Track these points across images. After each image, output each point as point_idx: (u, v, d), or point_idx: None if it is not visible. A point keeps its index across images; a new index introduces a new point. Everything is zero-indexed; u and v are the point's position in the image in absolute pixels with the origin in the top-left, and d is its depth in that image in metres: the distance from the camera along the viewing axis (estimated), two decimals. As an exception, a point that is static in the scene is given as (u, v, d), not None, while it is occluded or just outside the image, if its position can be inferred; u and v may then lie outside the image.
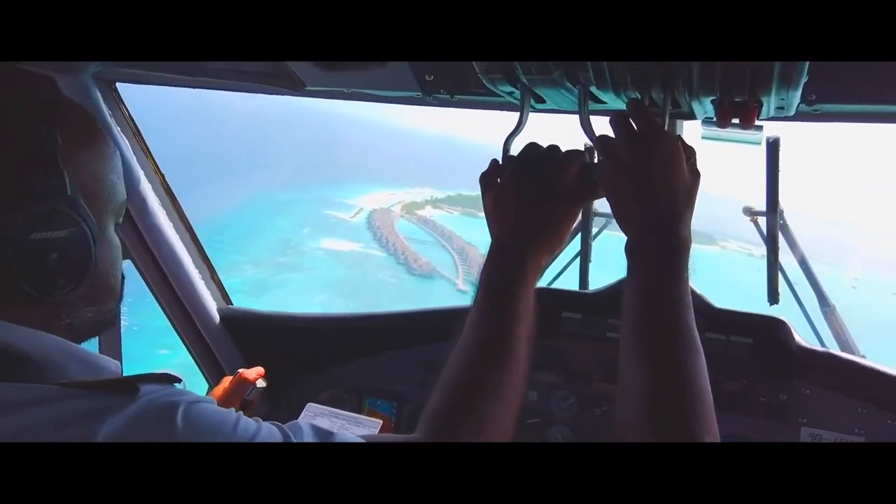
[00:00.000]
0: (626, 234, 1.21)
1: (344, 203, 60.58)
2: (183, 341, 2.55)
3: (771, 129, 1.88)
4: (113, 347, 2.15)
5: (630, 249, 1.18)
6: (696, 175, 1.23)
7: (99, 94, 1.97)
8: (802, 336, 2.05)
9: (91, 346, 1.07)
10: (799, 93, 1.21)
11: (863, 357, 2.12)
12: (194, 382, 2.42)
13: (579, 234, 2.50)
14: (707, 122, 1.38)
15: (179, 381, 0.97)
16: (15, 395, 0.86)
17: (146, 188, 2.17)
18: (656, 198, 1.17)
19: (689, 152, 1.26)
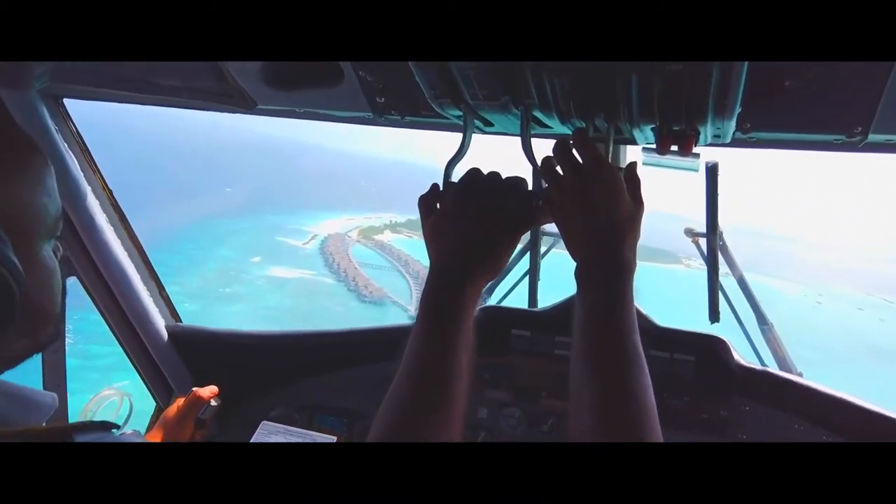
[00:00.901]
0: (573, 259, 1.26)
1: (299, 230, 60.06)
2: (130, 359, 2.50)
3: (711, 154, 1.95)
4: (57, 367, 2.11)
5: (578, 273, 1.22)
6: (639, 203, 1.28)
7: (45, 110, 1.94)
8: (742, 353, 2.12)
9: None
10: (734, 122, 1.27)
11: (799, 374, 2.20)
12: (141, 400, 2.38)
13: (528, 253, 2.54)
14: (648, 149, 1.43)
15: (117, 427, 0.94)
16: None
17: (93, 204, 2.14)
18: (599, 225, 1.22)
19: (634, 182, 1.31)
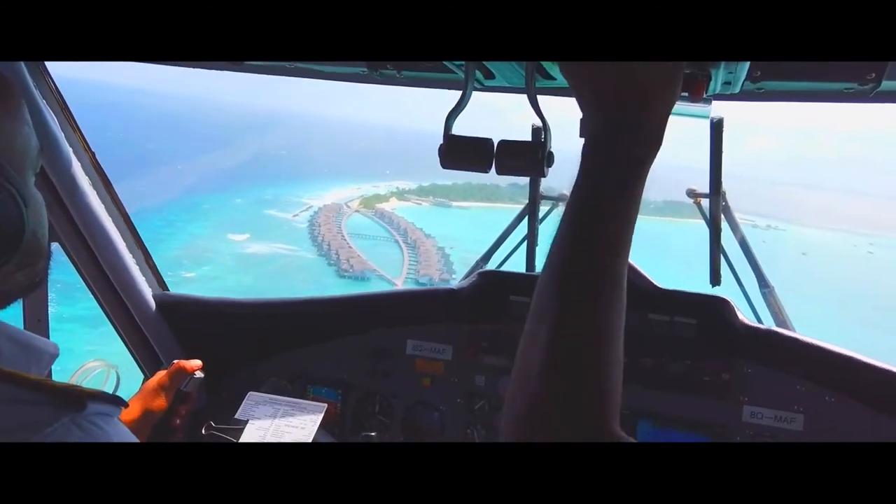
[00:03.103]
0: (586, 130, 1.02)
1: (293, 201, 58.80)
2: (116, 330, 2.43)
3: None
4: (39, 311, 2.06)
5: (589, 145, 0.99)
6: (677, 71, 1.02)
7: (24, 68, 1.85)
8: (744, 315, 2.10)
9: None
10: (746, 66, 1.22)
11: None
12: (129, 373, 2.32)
13: (526, 218, 2.50)
14: None
15: (126, 405, 0.95)
16: None
17: (76, 166, 2.06)
18: (631, 84, 0.98)
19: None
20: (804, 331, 2.07)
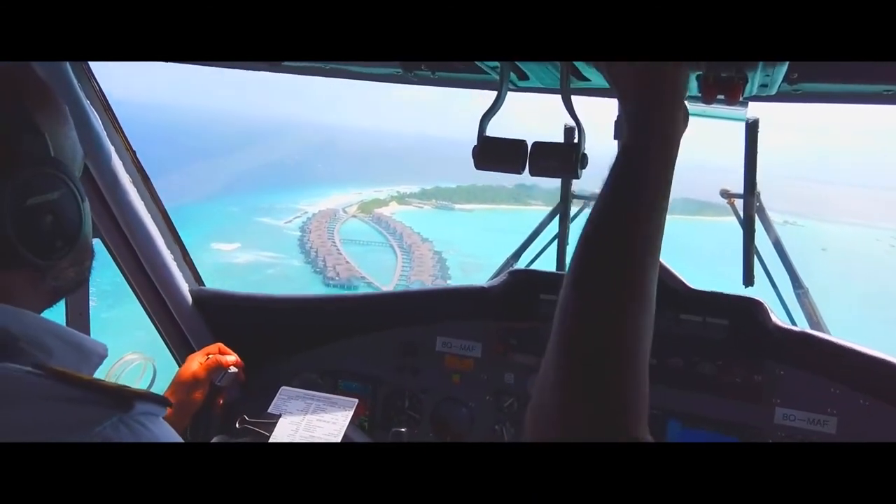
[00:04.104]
0: (623, 100, 1.10)
1: (289, 208, 58.01)
2: (154, 323, 2.49)
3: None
4: (81, 306, 2.11)
5: (625, 114, 1.06)
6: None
7: (69, 67, 1.90)
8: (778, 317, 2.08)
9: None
10: (784, 68, 1.21)
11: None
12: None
13: (557, 216, 2.50)
14: (692, 98, 1.38)
15: (171, 405, 0.98)
16: (14, 384, 0.86)
17: (117, 165, 2.11)
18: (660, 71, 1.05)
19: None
20: (832, 329, 2.04)
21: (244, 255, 45.08)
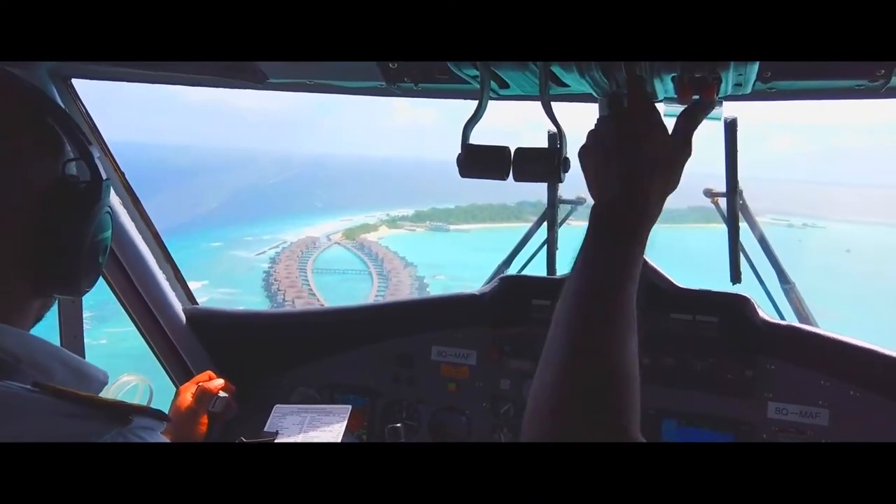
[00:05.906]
0: (595, 200, 1.20)
1: (261, 239, 56.97)
2: (148, 343, 2.50)
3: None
4: (75, 329, 2.12)
5: (592, 213, 1.17)
6: (682, 150, 1.21)
7: (55, 90, 1.92)
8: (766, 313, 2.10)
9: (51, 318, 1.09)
10: (756, 67, 1.24)
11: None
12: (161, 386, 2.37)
13: (546, 222, 2.52)
14: (668, 100, 1.40)
15: (168, 419, 1.00)
16: (14, 400, 0.87)
17: (106, 187, 2.12)
18: (630, 164, 1.16)
19: (688, 126, 1.24)
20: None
21: (204, 295, 43.71)
